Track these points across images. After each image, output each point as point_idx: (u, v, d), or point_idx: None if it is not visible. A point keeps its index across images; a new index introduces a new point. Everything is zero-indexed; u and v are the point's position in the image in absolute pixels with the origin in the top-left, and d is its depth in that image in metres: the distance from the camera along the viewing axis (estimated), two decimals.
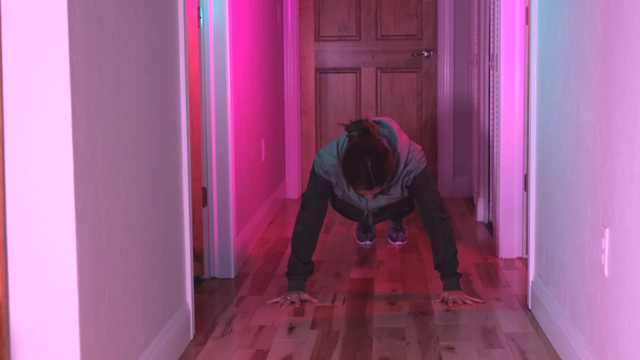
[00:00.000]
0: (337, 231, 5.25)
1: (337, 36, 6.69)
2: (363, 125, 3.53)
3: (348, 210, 4.08)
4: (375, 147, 3.46)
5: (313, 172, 3.76)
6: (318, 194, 3.77)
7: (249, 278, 4.19)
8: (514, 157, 4.46)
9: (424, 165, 3.68)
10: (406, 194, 3.79)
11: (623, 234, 2.28)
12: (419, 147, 3.72)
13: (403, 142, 3.65)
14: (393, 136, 3.63)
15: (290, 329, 3.38)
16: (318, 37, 6.69)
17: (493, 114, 4.97)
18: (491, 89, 5.11)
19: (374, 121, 3.65)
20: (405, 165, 3.66)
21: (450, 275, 3.74)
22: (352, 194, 3.80)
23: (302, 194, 6.65)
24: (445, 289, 3.74)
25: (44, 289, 2.12)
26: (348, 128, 3.58)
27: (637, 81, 2.14)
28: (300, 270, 3.78)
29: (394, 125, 3.69)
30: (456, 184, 6.64)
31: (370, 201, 3.84)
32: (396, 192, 3.76)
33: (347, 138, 3.58)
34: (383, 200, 3.83)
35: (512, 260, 4.47)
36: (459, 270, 3.94)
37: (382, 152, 3.46)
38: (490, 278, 4.12)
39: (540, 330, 3.31)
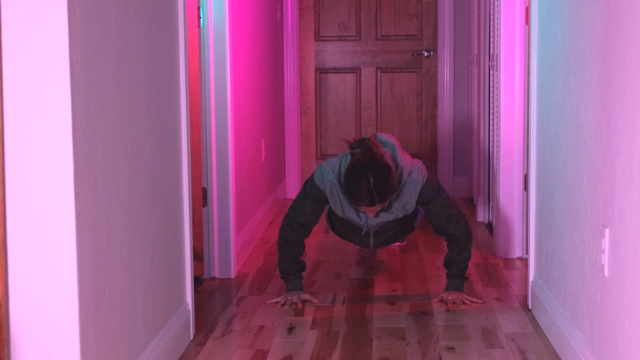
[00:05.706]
0: None
1: (337, 36, 6.69)
2: (366, 144, 3.52)
3: (348, 231, 3.96)
4: (378, 163, 3.43)
5: (310, 181, 3.69)
6: (310, 202, 3.70)
7: (249, 278, 4.19)
8: (514, 157, 4.46)
9: (427, 175, 3.64)
10: (408, 212, 3.69)
11: (623, 234, 2.28)
12: (420, 162, 3.69)
13: (406, 157, 3.65)
14: (395, 152, 3.62)
15: (290, 329, 3.38)
16: (318, 37, 6.69)
17: (493, 114, 4.97)
18: (491, 89, 5.11)
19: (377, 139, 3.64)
20: (408, 181, 3.61)
21: (455, 276, 3.73)
22: (351, 211, 3.70)
23: None
24: (446, 289, 3.73)
25: (44, 289, 2.12)
26: (351, 146, 3.57)
27: (637, 81, 2.14)
28: (293, 270, 3.76)
29: (396, 142, 3.69)
30: (456, 184, 6.63)
31: (370, 218, 3.73)
32: (397, 211, 3.67)
33: (350, 155, 3.56)
34: (383, 217, 3.73)
35: (512, 260, 4.47)
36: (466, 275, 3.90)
37: (385, 167, 3.44)
38: (490, 278, 4.12)
39: (540, 330, 3.31)
